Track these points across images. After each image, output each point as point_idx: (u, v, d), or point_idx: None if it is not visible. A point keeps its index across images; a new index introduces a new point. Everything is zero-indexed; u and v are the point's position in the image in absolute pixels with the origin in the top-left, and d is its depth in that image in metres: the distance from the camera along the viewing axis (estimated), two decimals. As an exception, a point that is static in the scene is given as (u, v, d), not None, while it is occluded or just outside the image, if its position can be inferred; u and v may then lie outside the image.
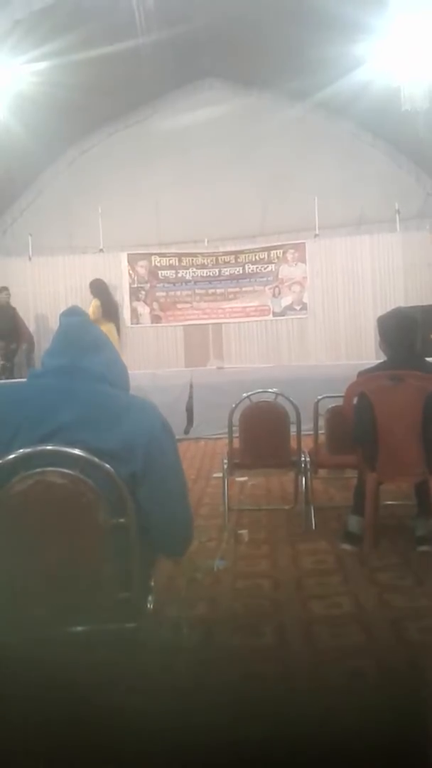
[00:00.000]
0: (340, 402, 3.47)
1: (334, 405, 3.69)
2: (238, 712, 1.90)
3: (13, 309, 9.53)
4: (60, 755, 1.68)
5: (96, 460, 1.54)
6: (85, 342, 1.72)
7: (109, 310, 9.14)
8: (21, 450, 1.54)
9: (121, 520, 1.59)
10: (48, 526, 1.60)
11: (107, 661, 1.98)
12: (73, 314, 1.80)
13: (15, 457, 1.54)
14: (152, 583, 1.83)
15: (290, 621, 2.48)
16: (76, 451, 1.53)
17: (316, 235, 9.99)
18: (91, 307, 8.73)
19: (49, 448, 1.54)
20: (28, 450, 1.54)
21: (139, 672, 1.92)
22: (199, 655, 2.24)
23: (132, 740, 1.72)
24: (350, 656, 2.20)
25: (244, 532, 3.56)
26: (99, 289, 9.17)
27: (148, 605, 1.74)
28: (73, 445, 1.54)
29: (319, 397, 3.91)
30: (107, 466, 1.54)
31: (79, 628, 1.70)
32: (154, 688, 1.90)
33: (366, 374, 3.29)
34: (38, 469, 1.54)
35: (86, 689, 1.93)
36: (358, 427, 3.13)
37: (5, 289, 9.45)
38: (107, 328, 8.51)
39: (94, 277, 9.42)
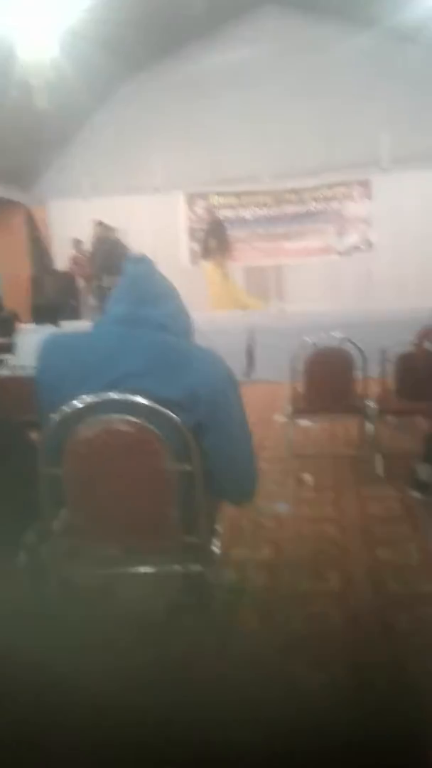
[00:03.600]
0: (409, 349, 3.33)
1: (403, 352, 3.55)
2: (305, 656, 1.91)
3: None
4: (127, 691, 1.75)
5: (161, 408, 1.53)
6: (149, 291, 1.69)
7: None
8: (87, 397, 1.54)
9: (187, 467, 1.59)
10: (114, 472, 1.62)
11: (175, 601, 2.03)
12: (138, 261, 1.77)
13: (81, 405, 1.54)
14: (217, 527, 1.83)
15: (356, 566, 2.46)
16: (141, 400, 1.52)
17: (384, 170, 9.47)
18: None
19: (114, 396, 1.54)
20: (93, 397, 1.54)
21: (206, 613, 1.96)
22: (265, 598, 2.26)
23: (197, 681, 1.77)
24: (418, 603, 2.17)
25: (308, 476, 3.53)
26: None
27: (214, 548, 1.74)
28: (138, 393, 1.53)
29: (388, 345, 3.76)
30: (172, 414, 1.53)
31: (148, 569, 1.74)
32: (221, 629, 1.94)
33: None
34: (104, 417, 1.55)
35: (155, 627, 2.00)
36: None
37: (101, 223, 9.01)
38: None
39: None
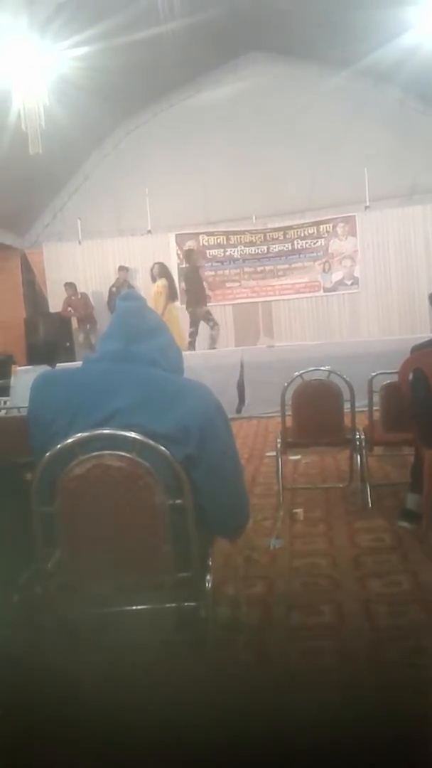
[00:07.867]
0: (394, 378, 3.40)
1: (388, 382, 3.62)
2: (297, 690, 1.91)
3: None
4: (119, 728, 1.74)
5: (152, 443, 1.56)
6: (139, 327, 1.73)
7: (173, 291, 9.11)
8: (79, 434, 1.57)
9: (178, 501, 1.61)
10: (107, 508, 1.63)
11: (168, 639, 2.03)
12: (129, 298, 1.82)
13: (73, 442, 1.57)
14: (210, 562, 1.85)
15: (349, 599, 2.47)
16: (133, 435, 1.56)
17: (366, 207, 9.73)
18: (157, 287, 8.72)
19: (106, 432, 1.57)
20: (85, 434, 1.57)
21: (200, 649, 1.95)
22: (259, 634, 2.26)
23: (192, 716, 1.76)
24: (410, 635, 2.18)
25: (299, 510, 3.55)
26: (164, 270, 9.10)
27: (207, 584, 1.75)
28: (129, 429, 1.56)
29: (373, 374, 3.83)
30: (163, 448, 1.56)
31: (141, 607, 1.74)
32: (215, 666, 1.93)
33: (420, 349, 3.21)
34: (96, 453, 1.58)
35: (148, 665, 1.99)
36: (414, 403, 3.06)
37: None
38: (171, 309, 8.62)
39: (152, 260, 9.48)
